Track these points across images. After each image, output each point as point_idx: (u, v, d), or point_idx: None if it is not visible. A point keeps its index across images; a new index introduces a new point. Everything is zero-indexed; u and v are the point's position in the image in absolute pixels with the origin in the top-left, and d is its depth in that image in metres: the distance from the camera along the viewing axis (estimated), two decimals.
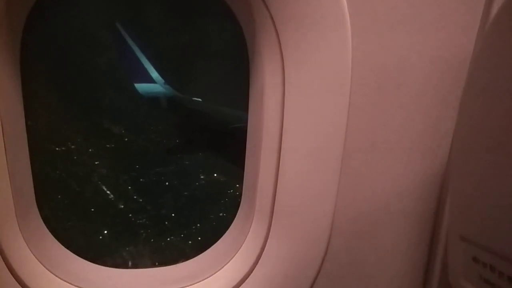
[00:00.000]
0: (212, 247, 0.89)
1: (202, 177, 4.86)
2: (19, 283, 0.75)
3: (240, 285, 0.80)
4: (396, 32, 0.68)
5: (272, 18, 0.67)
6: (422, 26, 0.68)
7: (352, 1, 0.66)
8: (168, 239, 4.50)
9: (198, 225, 4.62)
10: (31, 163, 0.81)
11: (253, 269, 0.80)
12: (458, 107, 0.70)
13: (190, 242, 4.54)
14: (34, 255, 0.79)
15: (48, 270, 0.80)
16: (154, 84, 4.46)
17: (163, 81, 4.47)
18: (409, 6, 0.67)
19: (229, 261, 0.83)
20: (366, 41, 0.68)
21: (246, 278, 0.80)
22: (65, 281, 0.80)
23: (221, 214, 4.64)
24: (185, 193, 4.83)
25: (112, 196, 4.70)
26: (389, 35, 0.68)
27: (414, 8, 0.67)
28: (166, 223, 4.59)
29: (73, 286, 0.80)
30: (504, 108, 0.50)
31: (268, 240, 0.79)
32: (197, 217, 4.69)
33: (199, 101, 4.43)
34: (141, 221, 4.55)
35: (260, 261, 0.80)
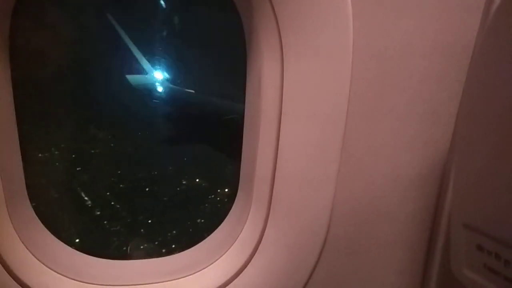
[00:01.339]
0: (209, 237, 0.87)
1: (184, 182, 4.80)
2: (8, 273, 0.73)
3: (237, 275, 0.78)
4: (398, 15, 0.67)
5: (271, 3, 0.65)
6: (425, 9, 0.68)
7: None
8: (142, 247, 4.41)
9: (174, 232, 4.53)
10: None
11: (251, 259, 0.78)
12: (461, 93, 0.70)
13: (164, 250, 4.46)
14: (24, 245, 0.76)
15: (39, 260, 0.77)
16: (146, 75, 4.42)
17: (155, 72, 4.44)
18: None
19: (226, 251, 0.81)
20: (368, 25, 0.67)
21: (244, 268, 0.79)
22: (56, 272, 0.78)
23: (198, 221, 4.57)
24: (164, 198, 4.75)
25: (89, 202, 4.58)
26: (390, 18, 0.67)
27: None
28: (142, 230, 4.49)
29: (64, 277, 0.78)
30: (509, 93, 0.49)
31: (266, 230, 0.77)
32: (173, 223, 4.59)
33: (192, 92, 4.40)
34: (115, 228, 4.43)
35: (258, 251, 0.78)
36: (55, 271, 0.78)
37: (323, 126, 0.70)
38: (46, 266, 0.77)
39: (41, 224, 0.83)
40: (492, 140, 0.53)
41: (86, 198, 4.45)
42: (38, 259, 0.77)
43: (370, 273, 0.83)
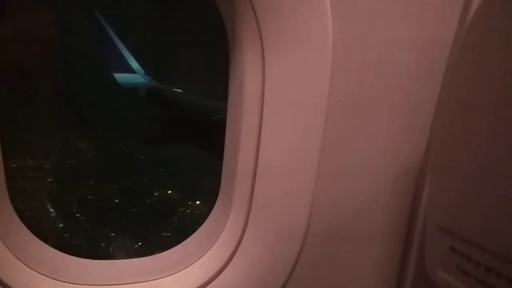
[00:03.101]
0: (189, 238, 0.86)
1: (155, 194, 4.66)
2: None
3: (216, 277, 0.79)
4: (377, 23, 0.69)
5: (253, 7, 0.66)
6: (403, 18, 0.70)
7: None
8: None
9: (135, 246, 4.37)
10: None
11: (230, 261, 0.79)
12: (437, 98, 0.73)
13: None
14: (5, 245, 0.75)
15: (21, 260, 0.76)
16: (134, 74, 4.36)
17: (143, 71, 4.38)
18: None
19: (205, 252, 0.81)
20: (347, 32, 0.69)
21: (223, 270, 0.79)
22: (38, 272, 0.77)
23: (164, 234, 4.44)
24: (133, 210, 4.59)
25: (53, 214, 4.37)
26: (369, 26, 0.69)
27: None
28: (103, 244, 4.31)
29: (46, 277, 0.77)
30: (484, 100, 0.51)
31: (246, 232, 0.77)
32: (137, 237, 4.42)
33: (180, 92, 4.34)
34: (75, 241, 4.24)
35: (237, 253, 0.78)
36: (36, 271, 0.77)
37: (303, 126, 0.72)
38: (28, 266, 0.76)
39: (23, 225, 0.81)
40: (466, 145, 0.55)
41: (51, 210, 4.25)
42: (19, 260, 0.76)
43: (347, 272, 0.85)
